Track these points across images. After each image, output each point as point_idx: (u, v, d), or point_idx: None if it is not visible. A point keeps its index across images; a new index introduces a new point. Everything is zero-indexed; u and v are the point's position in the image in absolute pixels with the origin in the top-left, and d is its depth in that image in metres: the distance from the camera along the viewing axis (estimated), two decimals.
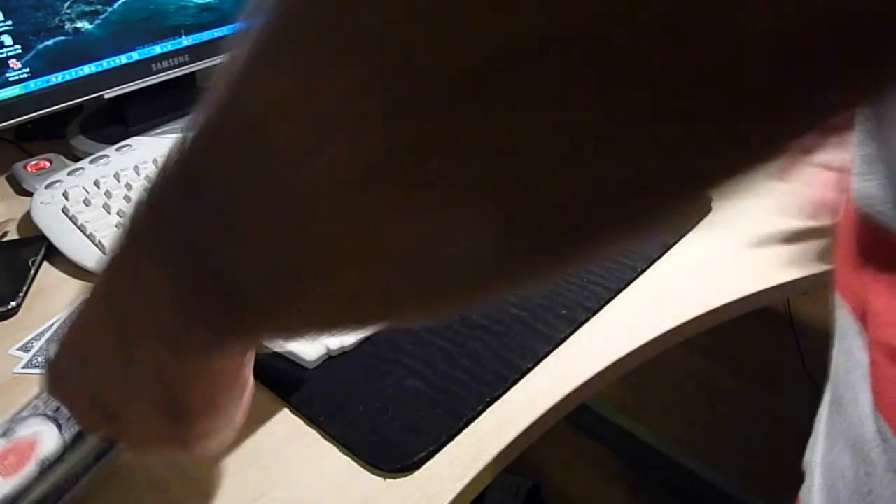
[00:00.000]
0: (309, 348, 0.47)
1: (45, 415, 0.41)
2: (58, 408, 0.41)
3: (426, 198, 0.15)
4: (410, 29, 0.13)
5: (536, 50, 0.12)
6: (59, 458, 0.38)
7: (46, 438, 0.40)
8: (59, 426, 0.40)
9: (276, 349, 0.47)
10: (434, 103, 0.13)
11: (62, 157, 0.75)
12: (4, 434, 0.40)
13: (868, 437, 0.30)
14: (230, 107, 0.19)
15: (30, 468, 0.38)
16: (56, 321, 0.53)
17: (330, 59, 0.14)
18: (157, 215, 0.22)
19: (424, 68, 0.13)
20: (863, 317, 0.33)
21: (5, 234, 0.65)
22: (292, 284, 0.19)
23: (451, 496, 0.38)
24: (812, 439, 0.38)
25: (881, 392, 0.29)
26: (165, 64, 0.78)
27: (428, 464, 0.40)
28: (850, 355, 0.33)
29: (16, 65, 0.68)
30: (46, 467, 0.38)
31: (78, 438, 0.39)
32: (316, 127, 0.15)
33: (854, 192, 0.31)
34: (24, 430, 0.40)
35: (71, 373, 0.30)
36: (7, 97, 0.68)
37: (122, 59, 0.75)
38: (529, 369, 0.46)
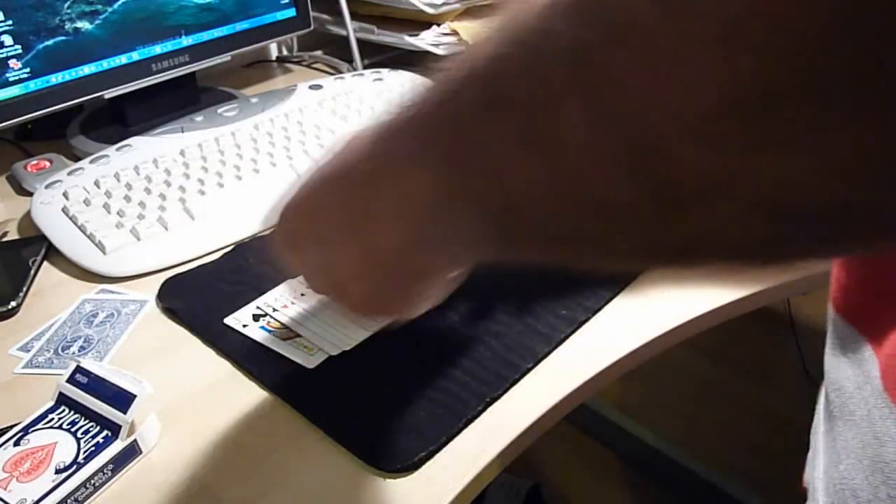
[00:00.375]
0: (309, 353, 0.47)
1: (61, 427, 0.41)
2: (73, 421, 0.41)
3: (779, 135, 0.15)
4: None
5: None
6: (74, 466, 0.39)
7: (62, 447, 0.40)
8: (75, 437, 0.40)
9: (277, 350, 0.47)
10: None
11: (62, 157, 0.75)
12: (17, 443, 0.40)
13: (889, 457, 0.28)
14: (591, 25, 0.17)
15: (45, 474, 0.38)
16: (56, 321, 0.53)
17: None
18: (454, 124, 0.22)
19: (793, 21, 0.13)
20: (869, 331, 0.32)
21: (5, 234, 0.65)
22: (596, 220, 0.19)
23: (451, 496, 0.38)
24: (811, 455, 0.37)
25: None
26: (165, 64, 0.78)
27: (428, 464, 0.40)
28: (858, 370, 0.32)
29: (16, 65, 0.68)
30: (62, 473, 0.38)
31: (94, 449, 0.40)
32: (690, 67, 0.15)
33: None
34: (39, 440, 0.40)
35: (302, 240, 0.33)
36: (7, 97, 0.68)
37: (122, 59, 0.75)
38: (529, 369, 0.46)
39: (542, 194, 0.20)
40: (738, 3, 0.14)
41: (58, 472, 0.38)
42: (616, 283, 0.52)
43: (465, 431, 0.42)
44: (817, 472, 0.35)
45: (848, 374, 0.33)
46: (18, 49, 0.67)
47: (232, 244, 0.60)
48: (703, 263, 0.21)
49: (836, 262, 0.35)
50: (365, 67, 0.94)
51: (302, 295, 0.52)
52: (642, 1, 0.15)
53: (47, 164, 0.73)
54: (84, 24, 0.71)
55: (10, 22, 0.66)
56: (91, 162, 0.69)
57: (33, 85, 0.69)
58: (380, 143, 0.26)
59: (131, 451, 0.41)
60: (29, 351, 0.50)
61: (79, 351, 0.50)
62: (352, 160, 0.28)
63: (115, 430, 0.40)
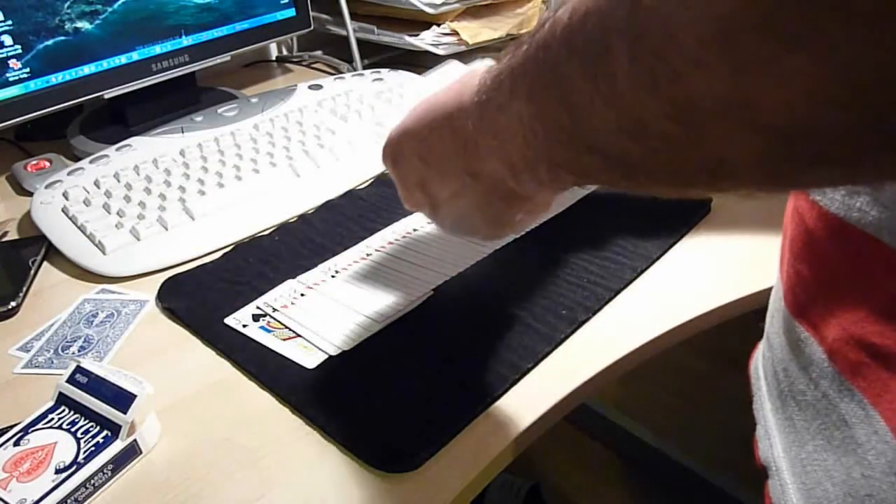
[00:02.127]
0: (309, 353, 0.47)
1: (61, 427, 0.41)
2: (73, 421, 0.41)
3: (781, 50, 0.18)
4: None
5: None
6: (74, 466, 0.39)
7: (62, 447, 0.40)
8: (75, 437, 0.40)
9: (277, 350, 0.47)
10: None
11: (62, 157, 0.75)
12: (17, 443, 0.40)
13: (860, 439, 0.29)
14: None
15: (45, 474, 0.38)
16: (56, 321, 0.53)
17: None
18: (541, 64, 0.27)
19: None
20: (806, 317, 0.33)
21: (5, 234, 0.65)
22: (651, 146, 0.23)
23: (451, 496, 0.38)
24: (761, 432, 0.38)
25: (878, 395, 0.29)
26: (165, 64, 0.78)
27: (428, 464, 0.40)
28: (800, 353, 0.34)
29: (16, 65, 0.68)
30: (62, 473, 0.38)
31: (94, 449, 0.40)
32: None
33: (837, 208, 0.31)
34: (39, 440, 0.40)
35: (410, 158, 0.38)
36: (7, 97, 0.68)
37: (122, 59, 0.75)
38: (529, 369, 0.46)
39: (599, 119, 0.24)
40: None
41: (58, 472, 0.38)
42: (615, 283, 0.52)
43: (465, 431, 0.42)
44: (776, 452, 0.36)
45: (790, 356, 0.35)
46: (18, 49, 0.67)
47: (232, 244, 0.60)
48: (726, 184, 0.24)
49: (785, 259, 0.37)
50: (365, 67, 0.94)
51: (302, 295, 0.52)
52: None
53: (47, 164, 0.73)
54: (84, 24, 0.71)
55: (10, 22, 0.66)
56: (91, 162, 0.69)
57: (33, 85, 0.69)
58: (487, 81, 0.31)
59: (131, 451, 0.41)
60: (29, 351, 0.50)
61: (79, 351, 0.50)
62: (465, 94, 0.33)
63: (115, 430, 0.40)
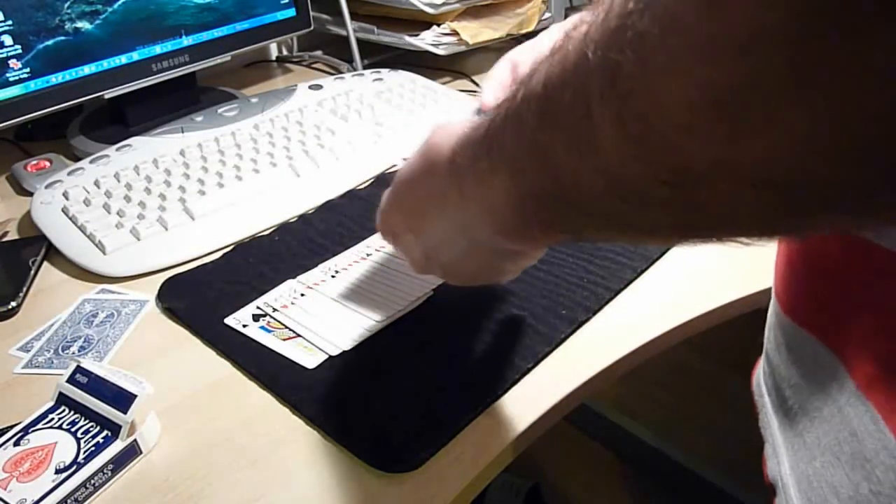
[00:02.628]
0: (309, 354, 0.47)
1: (61, 427, 0.41)
2: (73, 421, 0.41)
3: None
4: None
5: None
6: (74, 466, 0.39)
7: (62, 447, 0.40)
8: (75, 437, 0.40)
9: (277, 350, 0.47)
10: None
11: (62, 157, 0.75)
12: (17, 443, 0.40)
13: (870, 453, 0.29)
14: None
15: (45, 474, 0.38)
16: (56, 321, 0.53)
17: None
18: (518, 137, 0.27)
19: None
20: (824, 333, 0.33)
21: (5, 234, 0.65)
22: (639, 204, 0.23)
23: (451, 496, 0.38)
24: (769, 450, 0.38)
25: (892, 409, 0.28)
26: (165, 64, 0.78)
27: (428, 464, 0.40)
28: (815, 368, 0.33)
29: (16, 65, 0.68)
30: (62, 473, 0.38)
31: (94, 449, 0.40)
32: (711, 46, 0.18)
33: None
34: (39, 440, 0.40)
35: (405, 234, 0.40)
36: (7, 97, 0.68)
37: (122, 59, 0.75)
38: (529, 369, 0.46)
39: (586, 185, 0.25)
40: (704, 25, 0.18)
41: (58, 472, 0.38)
42: (615, 284, 0.52)
43: (465, 431, 0.42)
44: (783, 469, 0.35)
45: (801, 372, 0.34)
46: (18, 49, 0.67)
47: (232, 244, 0.60)
48: (719, 236, 0.24)
49: (781, 266, 0.37)
50: (365, 67, 0.94)
51: (302, 295, 0.52)
52: (649, 26, 0.19)
53: (47, 164, 0.73)
54: (84, 24, 0.71)
55: (10, 22, 0.66)
56: (91, 162, 0.69)
57: (33, 85, 0.69)
58: (460, 155, 0.32)
59: (131, 451, 0.41)
60: (29, 351, 0.50)
61: (79, 351, 0.50)
62: (439, 166, 0.34)
63: (115, 430, 0.40)
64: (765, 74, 0.17)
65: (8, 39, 0.67)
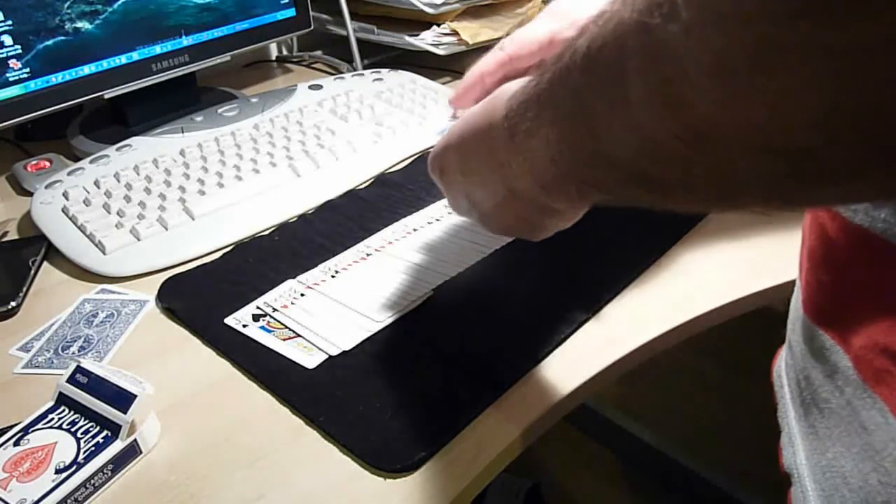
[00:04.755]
0: (309, 354, 0.47)
1: (61, 427, 0.41)
2: (73, 421, 0.41)
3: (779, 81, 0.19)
4: None
5: None
6: (74, 466, 0.39)
7: (62, 447, 0.40)
8: (75, 437, 0.40)
9: (277, 350, 0.47)
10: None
11: (62, 157, 0.75)
12: (17, 443, 0.40)
13: (879, 445, 0.29)
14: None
15: (45, 474, 0.38)
16: (56, 321, 0.53)
17: None
18: (564, 90, 0.29)
19: None
20: (831, 326, 0.34)
21: (5, 234, 0.65)
22: (668, 165, 0.25)
23: (451, 496, 0.38)
24: (785, 440, 0.38)
25: None
26: (165, 64, 0.78)
27: (428, 464, 0.40)
28: (824, 361, 0.34)
29: (16, 65, 0.68)
30: (62, 473, 0.38)
31: (94, 449, 0.40)
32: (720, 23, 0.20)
33: (861, 219, 0.31)
34: (39, 440, 0.40)
35: (453, 171, 0.41)
36: (7, 97, 0.68)
37: (122, 59, 0.75)
38: (529, 369, 0.46)
39: (619, 140, 0.26)
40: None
41: (58, 472, 0.38)
42: (615, 283, 0.52)
43: (465, 431, 0.42)
44: (799, 459, 0.36)
45: (812, 363, 0.35)
46: (18, 49, 0.67)
47: (232, 244, 0.60)
48: (739, 203, 0.26)
49: (802, 257, 0.38)
50: (365, 67, 0.94)
51: (302, 295, 0.52)
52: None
53: (47, 164, 0.73)
54: (84, 24, 0.71)
55: (10, 22, 0.66)
56: (91, 162, 0.69)
57: (33, 85, 0.69)
58: (514, 106, 0.34)
59: (131, 451, 0.41)
60: (29, 351, 0.50)
61: (79, 351, 0.50)
62: (496, 115, 0.35)
63: (115, 430, 0.40)
64: (764, 45, 0.19)
65: (8, 39, 0.67)
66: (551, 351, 0.47)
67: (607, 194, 0.31)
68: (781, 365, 0.42)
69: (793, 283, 0.53)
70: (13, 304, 0.54)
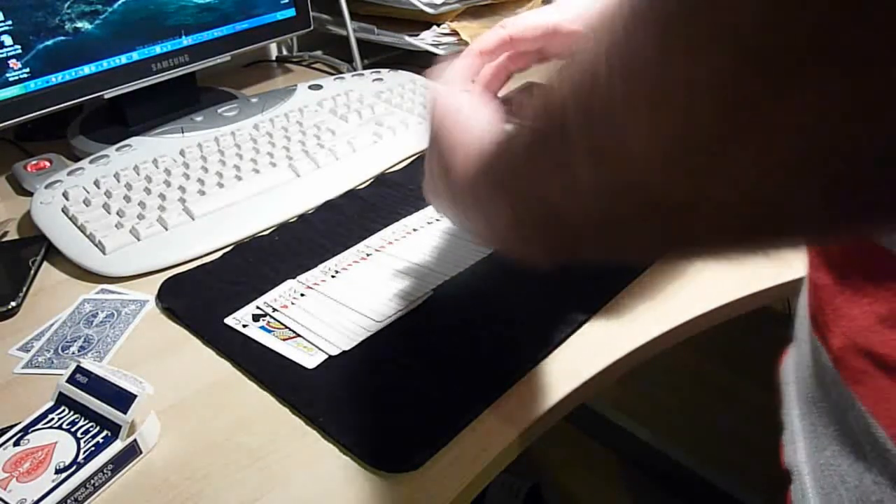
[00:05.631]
0: (308, 354, 0.47)
1: (61, 427, 0.41)
2: (73, 421, 0.41)
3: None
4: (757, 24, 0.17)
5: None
6: (74, 466, 0.39)
7: (62, 447, 0.40)
8: (75, 437, 0.40)
9: (277, 350, 0.47)
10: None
11: (62, 157, 0.75)
12: (17, 443, 0.40)
13: (864, 448, 0.30)
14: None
15: (45, 474, 0.38)
16: (56, 321, 0.53)
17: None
18: (513, 160, 0.30)
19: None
20: (816, 324, 0.34)
21: (5, 234, 0.65)
22: (629, 224, 0.25)
23: (451, 496, 0.38)
24: (787, 437, 0.39)
25: (877, 403, 0.29)
26: (165, 64, 0.78)
27: (428, 464, 0.40)
28: (813, 359, 0.34)
29: (16, 65, 0.68)
30: (62, 473, 0.38)
31: (94, 449, 0.40)
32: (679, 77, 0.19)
33: None
34: (39, 440, 0.40)
35: (441, 208, 0.42)
36: (7, 97, 0.68)
37: (122, 59, 0.75)
38: (529, 369, 0.46)
39: (573, 212, 0.27)
40: (661, 74, 0.19)
41: (58, 472, 0.38)
42: (615, 284, 0.52)
43: (465, 431, 0.42)
44: (799, 456, 0.36)
45: (808, 363, 0.36)
46: (18, 49, 0.67)
47: (232, 244, 0.60)
48: (707, 255, 0.26)
49: (808, 267, 0.38)
50: (365, 67, 0.94)
51: (302, 295, 0.52)
52: (615, 73, 0.21)
53: (47, 164, 0.73)
54: (84, 24, 0.71)
55: (10, 22, 0.66)
56: (91, 162, 0.69)
57: (33, 85, 0.69)
58: (473, 168, 0.35)
59: (131, 451, 0.41)
60: (29, 351, 0.50)
61: (79, 351, 0.50)
62: (459, 172, 0.36)
63: (115, 430, 0.40)
64: (702, 124, 0.19)
65: (8, 39, 0.67)
66: (551, 351, 0.47)
67: (572, 256, 0.32)
68: (788, 362, 0.42)
69: (793, 283, 0.53)
70: (13, 304, 0.54)
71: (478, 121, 0.38)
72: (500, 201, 0.32)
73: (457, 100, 0.40)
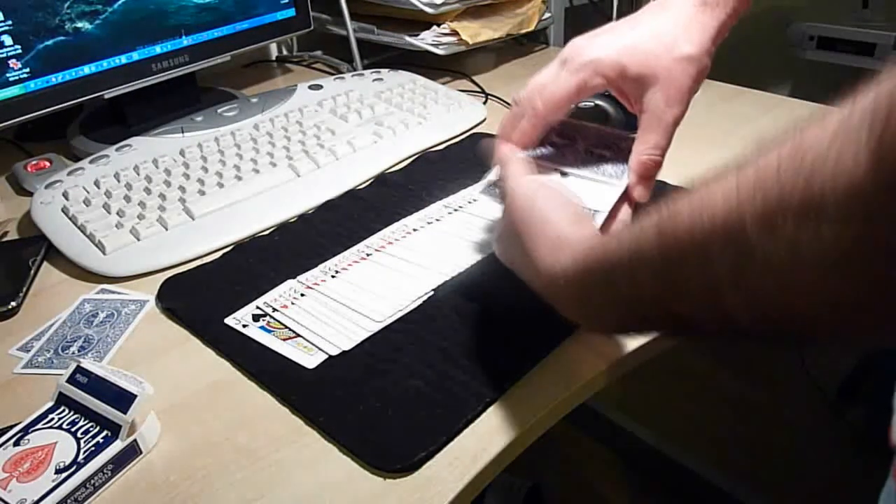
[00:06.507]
0: (308, 354, 0.47)
1: (61, 427, 0.41)
2: (73, 421, 0.41)
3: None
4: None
5: None
6: (74, 466, 0.39)
7: (62, 447, 0.40)
8: (75, 437, 0.40)
9: (277, 350, 0.47)
10: None
11: (62, 157, 0.75)
12: (17, 443, 0.40)
13: None
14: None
15: (45, 474, 0.38)
16: (56, 321, 0.53)
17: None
18: (637, 278, 0.32)
19: None
20: None
21: (5, 234, 0.65)
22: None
23: (451, 496, 0.38)
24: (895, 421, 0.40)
25: None
26: (165, 64, 0.78)
27: (428, 464, 0.40)
28: None
29: (16, 65, 0.68)
30: (62, 473, 0.38)
31: (94, 449, 0.40)
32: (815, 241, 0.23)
33: None
34: (39, 440, 0.40)
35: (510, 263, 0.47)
36: (7, 97, 0.68)
37: (122, 59, 0.75)
38: (529, 369, 0.46)
39: (699, 324, 0.31)
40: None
41: (58, 472, 0.38)
42: None
43: (465, 431, 0.42)
44: None
45: None
46: (18, 49, 0.67)
47: (232, 244, 0.60)
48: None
49: None
50: (365, 67, 0.94)
51: (302, 295, 0.52)
52: (760, 238, 0.24)
53: (47, 164, 0.73)
54: (84, 24, 0.71)
55: (10, 22, 0.66)
56: (91, 162, 0.69)
57: (33, 85, 0.69)
58: (574, 278, 0.38)
59: (131, 451, 0.41)
60: (29, 351, 0.50)
61: (79, 351, 0.50)
62: (555, 270, 0.40)
63: (115, 430, 0.40)
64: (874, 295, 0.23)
65: (8, 39, 0.67)
66: (551, 351, 0.47)
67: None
68: None
69: None
70: (13, 304, 0.55)
71: (553, 212, 0.41)
72: (613, 312, 0.36)
73: (530, 191, 0.43)
